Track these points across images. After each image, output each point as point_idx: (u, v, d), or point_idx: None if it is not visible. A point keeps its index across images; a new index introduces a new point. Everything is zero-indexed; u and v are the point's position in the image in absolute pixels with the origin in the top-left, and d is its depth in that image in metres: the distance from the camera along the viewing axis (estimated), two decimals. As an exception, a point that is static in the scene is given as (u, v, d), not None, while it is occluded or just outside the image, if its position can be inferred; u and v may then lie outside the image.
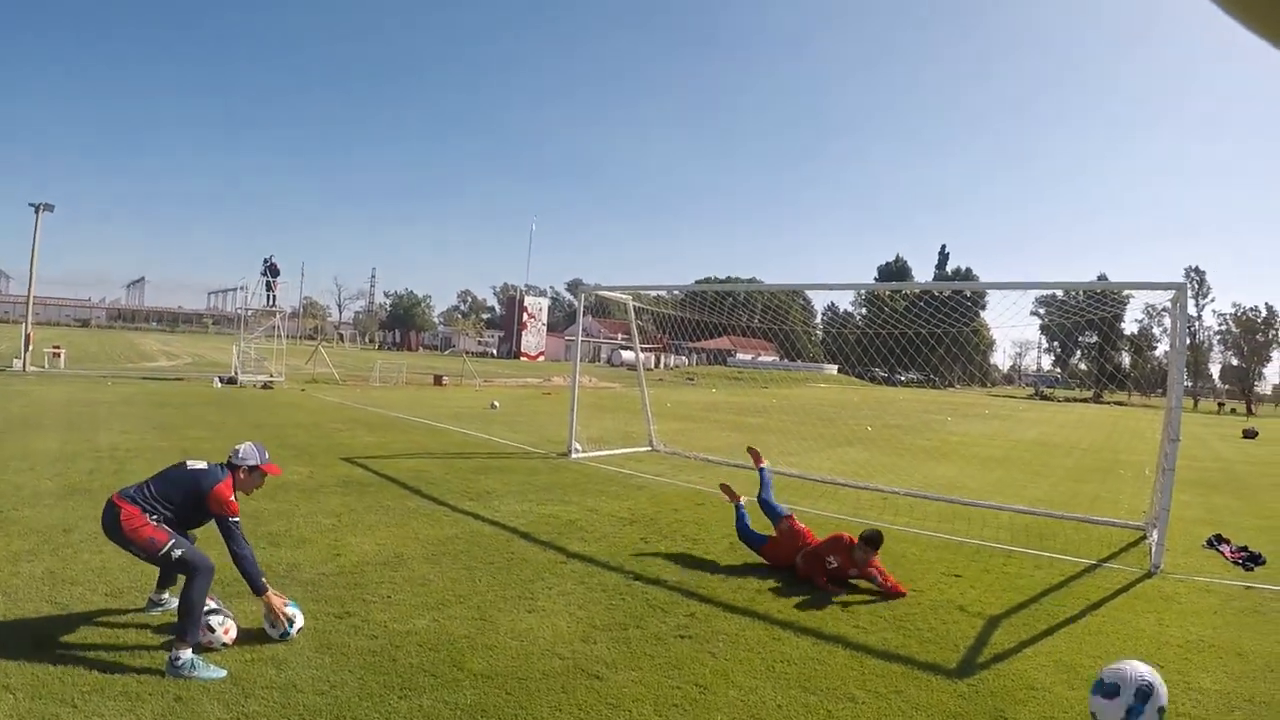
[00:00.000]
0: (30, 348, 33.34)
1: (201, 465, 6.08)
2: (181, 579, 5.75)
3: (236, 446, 6.26)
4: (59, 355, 35.94)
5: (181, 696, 4.95)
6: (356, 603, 6.95)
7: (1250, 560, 10.46)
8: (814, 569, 8.37)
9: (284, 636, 5.96)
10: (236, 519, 5.87)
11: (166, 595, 6.29)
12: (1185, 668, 6.48)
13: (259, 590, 5.89)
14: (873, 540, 8.26)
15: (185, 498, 5.85)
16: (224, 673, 5.29)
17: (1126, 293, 15.17)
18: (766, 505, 9.69)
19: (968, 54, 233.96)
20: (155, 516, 5.71)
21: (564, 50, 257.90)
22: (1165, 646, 6.96)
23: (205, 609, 5.79)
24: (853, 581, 8.32)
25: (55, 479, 11.22)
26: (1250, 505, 15.98)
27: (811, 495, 13.76)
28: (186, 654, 5.26)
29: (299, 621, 6.05)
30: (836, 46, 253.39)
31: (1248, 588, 9.29)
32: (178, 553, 5.58)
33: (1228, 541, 11.32)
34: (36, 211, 34.05)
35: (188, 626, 5.36)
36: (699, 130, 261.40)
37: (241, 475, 6.12)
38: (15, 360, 33.35)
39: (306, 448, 15.93)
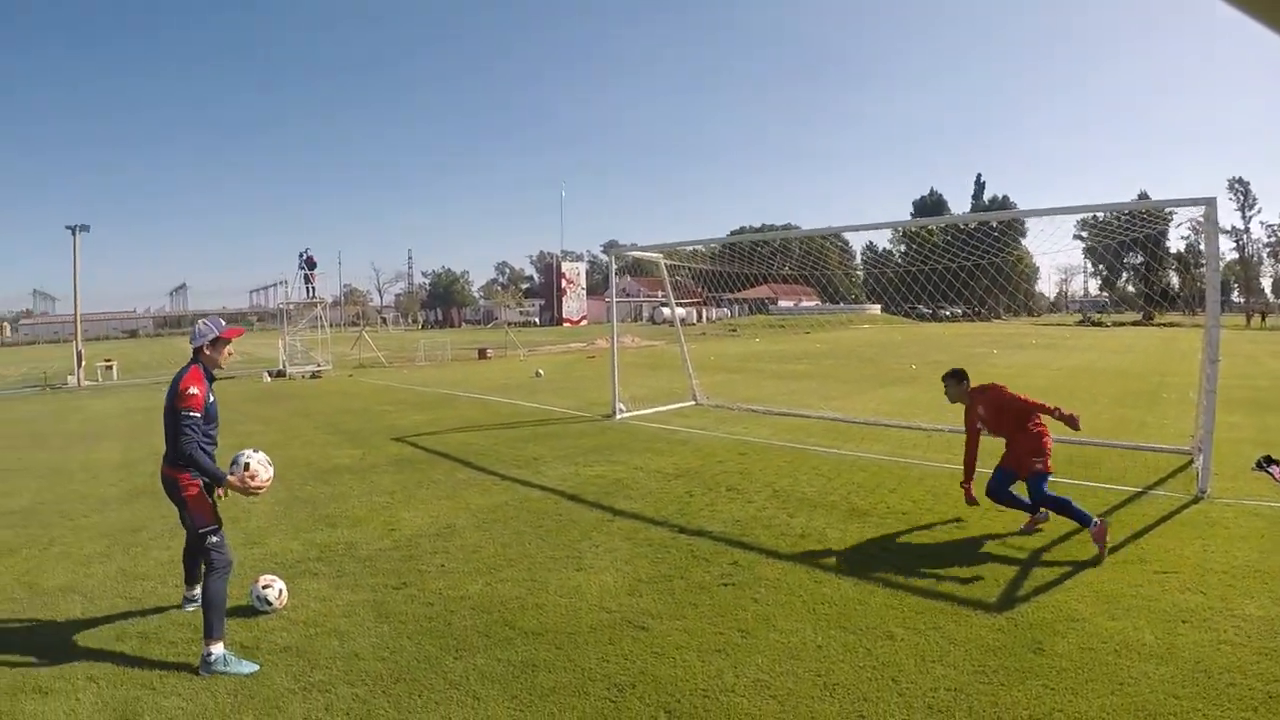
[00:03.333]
0: (83, 364, 33.85)
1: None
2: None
3: (193, 326, 6.02)
4: (111, 368, 36.49)
5: (253, 673, 5.29)
6: (413, 574, 7.25)
7: (1302, 481, 10.21)
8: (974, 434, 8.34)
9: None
10: (190, 413, 5.59)
11: (197, 591, 6.20)
12: (1229, 594, 6.35)
13: (219, 478, 5.70)
14: (952, 374, 8.47)
15: (169, 414, 5.73)
16: (256, 667, 5.37)
17: (1168, 210, 14.86)
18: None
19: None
20: (201, 478, 5.74)
21: (571, 13, 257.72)
22: (1209, 573, 6.82)
23: (261, 584, 6.23)
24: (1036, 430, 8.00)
25: (119, 485, 11.71)
26: (1306, 423, 15.69)
27: (855, 438, 13.86)
28: (218, 649, 5.37)
29: (265, 475, 5.94)
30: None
31: (1298, 510, 9.08)
32: (214, 539, 5.65)
33: (1278, 463, 11.00)
34: (74, 233, 34.55)
35: (214, 622, 5.42)
36: (719, 84, 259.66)
37: (206, 352, 5.90)
38: (69, 377, 33.90)
39: (358, 432, 16.33)
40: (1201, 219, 10.88)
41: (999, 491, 8.05)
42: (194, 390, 5.66)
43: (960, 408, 8.46)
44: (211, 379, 5.96)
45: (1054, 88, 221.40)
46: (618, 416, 17.06)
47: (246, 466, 5.81)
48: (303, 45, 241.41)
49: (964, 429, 8.40)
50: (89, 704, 4.92)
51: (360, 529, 8.86)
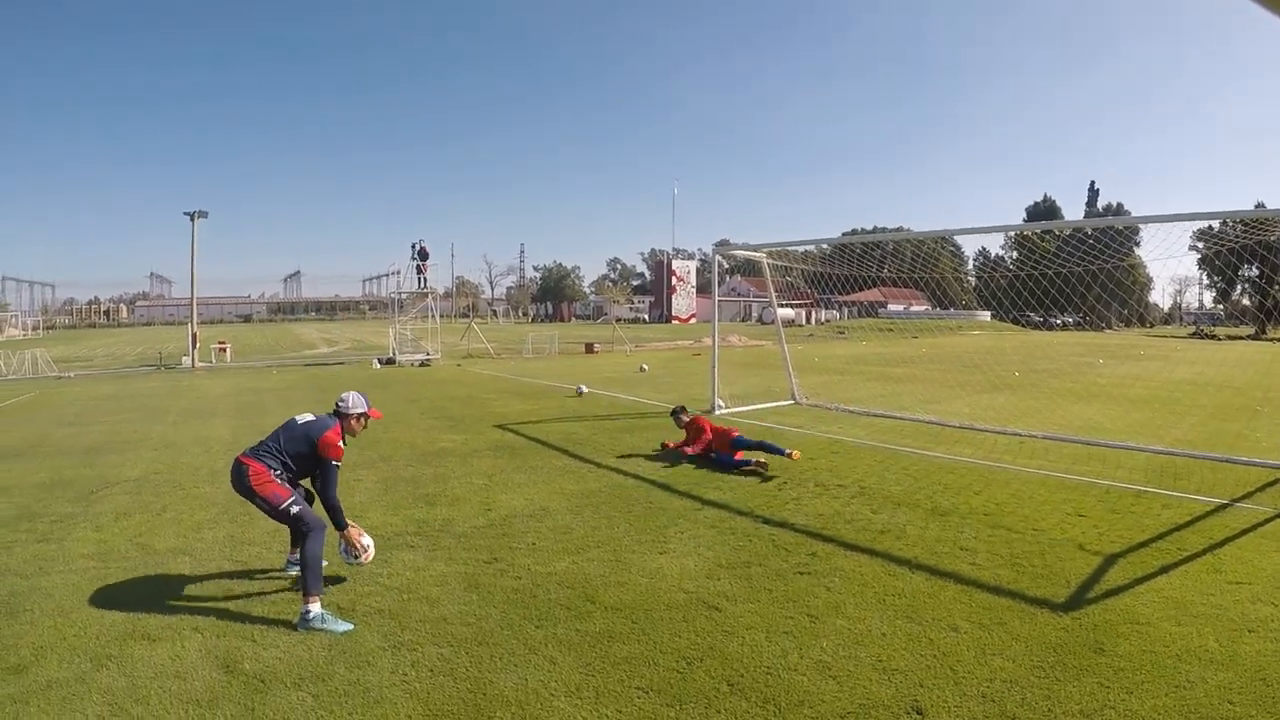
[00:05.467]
0: (197, 346, 35.61)
1: (310, 417, 6.71)
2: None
3: (343, 395, 6.86)
4: (225, 350, 38.42)
5: (347, 631, 5.78)
6: (504, 550, 7.71)
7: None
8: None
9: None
10: (338, 464, 6.50)
11: (298, 554, 6.59)
12: (1305, 610, 6.25)
13: (341, 527, 6.52)
14: (675, 413, 12.99)
15: (299, 448, 6.45)
16: (350, 625, 5.84)
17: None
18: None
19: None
20: (277, 471, 6.34)
21: (693, 17, 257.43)
22: (1284, 586, 6.73)
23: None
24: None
25: (229, 459, 12.24)
26: None
27: (947, 441, 13.85)
28: (315, 607, 5.85)
29: (371, 552, 6.78)
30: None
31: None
32: (295, 509, 6.18)
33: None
34: (192, 219, 36.26)
35: (311, 580, 5.90)
36: (837, 89, 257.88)
37: (351, 422, 6.76)
38: (184, 358, 35.88)
39: (461, 418, 16.97)
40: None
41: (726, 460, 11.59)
42: (341, 444, 6.57)
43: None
44: (344, 441, 6.71)
45: (1169, 105, 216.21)
46: (717, 412, 17.30)
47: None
48: (426, 41, 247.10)
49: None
50: (193, 651, 5.45)
51: (458, 508, 9.37)
